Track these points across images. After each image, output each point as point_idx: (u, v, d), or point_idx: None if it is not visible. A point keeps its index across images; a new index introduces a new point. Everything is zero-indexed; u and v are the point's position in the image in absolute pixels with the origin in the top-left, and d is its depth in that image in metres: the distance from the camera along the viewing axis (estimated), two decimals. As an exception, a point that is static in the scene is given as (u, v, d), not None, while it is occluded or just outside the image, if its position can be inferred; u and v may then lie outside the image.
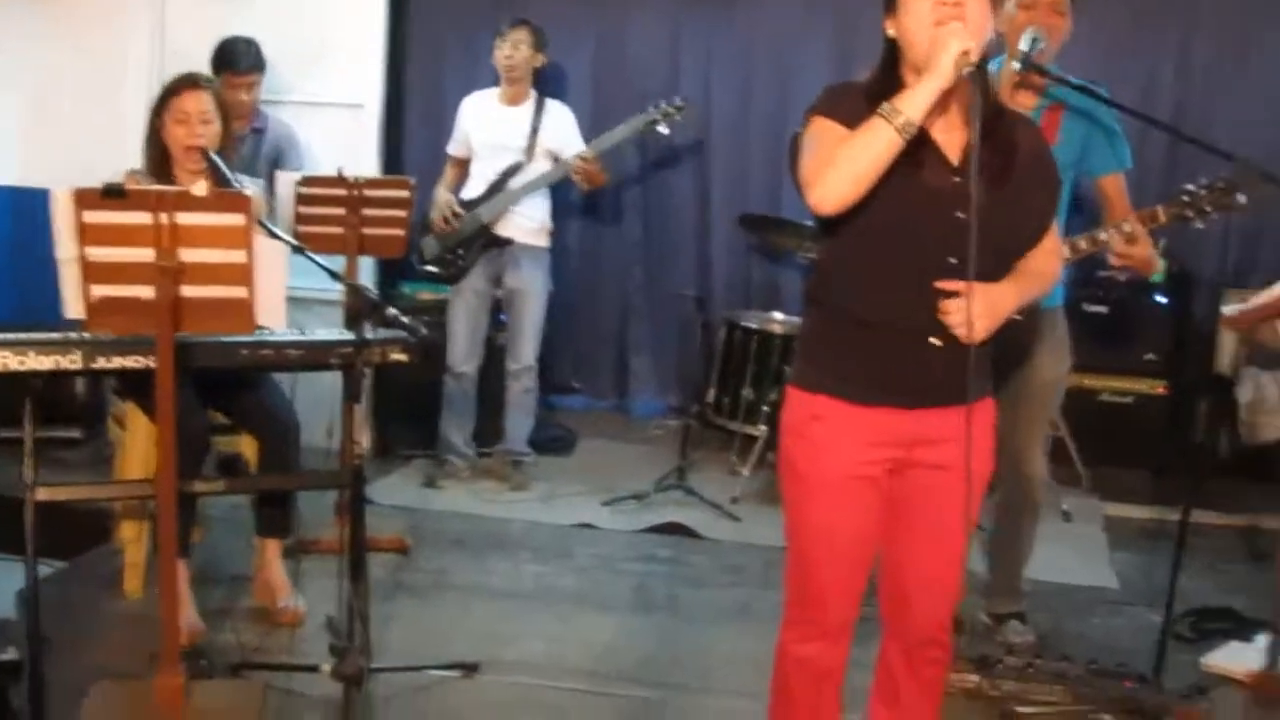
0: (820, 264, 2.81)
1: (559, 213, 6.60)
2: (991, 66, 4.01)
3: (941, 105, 2.56)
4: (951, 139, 2.63)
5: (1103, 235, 3.77)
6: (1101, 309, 6.38)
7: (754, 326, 6.09)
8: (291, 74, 5.99)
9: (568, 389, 7.30)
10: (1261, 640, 3.91)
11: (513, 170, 5.71)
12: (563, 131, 5.75)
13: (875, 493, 2.76)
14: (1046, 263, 2.80)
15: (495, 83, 5.86)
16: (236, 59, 5.43)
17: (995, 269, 2.63)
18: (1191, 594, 4.58)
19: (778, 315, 6.19)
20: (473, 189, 5.79)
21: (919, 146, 2.55)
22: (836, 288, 2.73)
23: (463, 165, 5.88)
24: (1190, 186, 3.44)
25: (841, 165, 2.52)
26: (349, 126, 6.08)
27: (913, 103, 2.48)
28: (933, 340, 2.63)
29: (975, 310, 2.54)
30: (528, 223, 5.76)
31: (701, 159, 6.96)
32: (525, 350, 5.84)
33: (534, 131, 5.71)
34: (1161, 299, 6.39)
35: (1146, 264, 3.77)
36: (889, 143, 2.48)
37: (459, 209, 5.75)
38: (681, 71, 6.86)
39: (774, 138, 6.57)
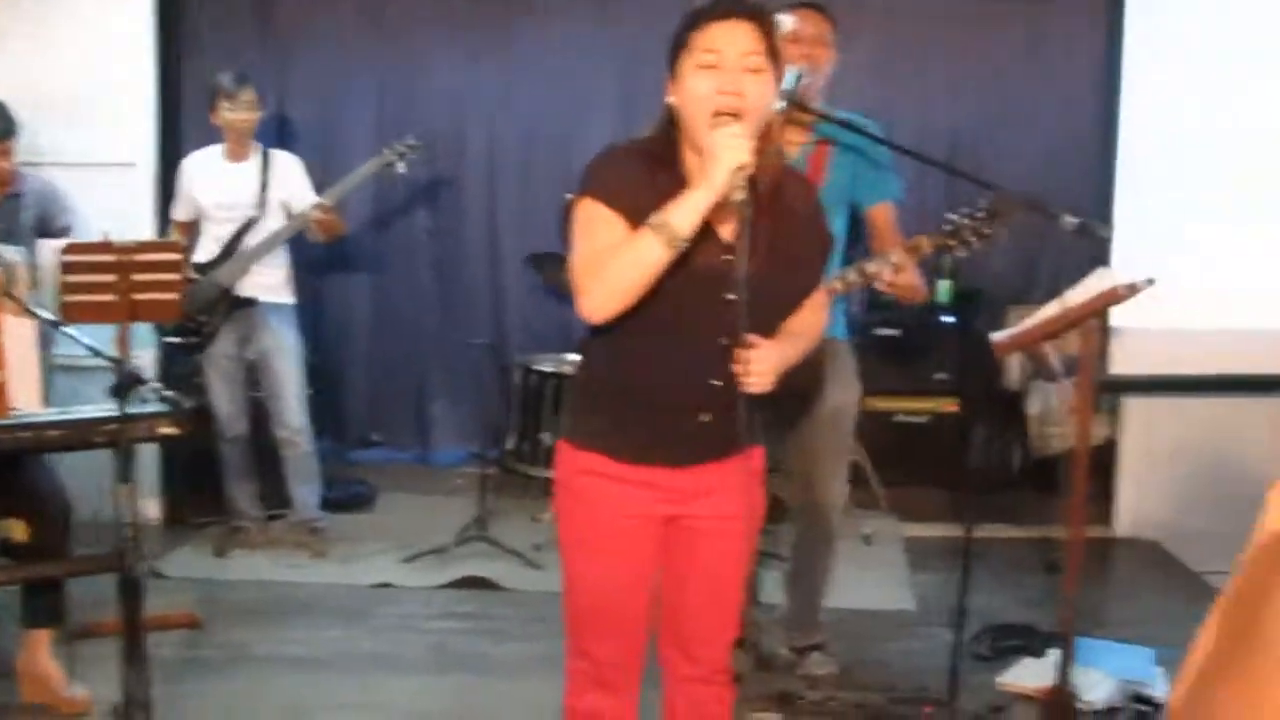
0: (591, 336, 2.73)
1: (351, 265, 6.48)
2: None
3: None
4: (725, 214, 2.54)
5: (870, 267, 3.76)
6: (892, 332, 6.51)
7: (548, 370, 6.01)
8: (53, 133, 5.66)
9: (367, 443, 7.17)
10: (1054, 654, 3.97)
11: (246, 228, 5.48)
12: (293, 182, 5.55)
13: (649, 542, 2.74)
14: (813, 316, 2.80)
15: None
16: None
17: (764, 336, 2.58)
18: (991, 610, 4.67)
19: (571, 356, 6.06)
20: (205, 251, 5.52)
21: None
22: (607, 363, 2.71)
23: (188, 229, 5.58)
24: (953, 216, 3.49)
25: (610, 279, 2.49)
26: (120, 187, 5.81)
27: (683, 216, 2.44)
28: (702, 417, 2.63)
29: (769, 364, 2.51)
30: (270, 279, 5.54)
31: (489, 201, 6.95)
32: (292, 415, 5.58)
33: (264, 187, 5.49)
34: (949, 318, 6.51)
35: (914, 292, 3.79)
36: (658, 257, 2.45)
37: (192, 274, 5.40)
38: (468, 112, 6.88)
39: (560, 176, 6.46)
